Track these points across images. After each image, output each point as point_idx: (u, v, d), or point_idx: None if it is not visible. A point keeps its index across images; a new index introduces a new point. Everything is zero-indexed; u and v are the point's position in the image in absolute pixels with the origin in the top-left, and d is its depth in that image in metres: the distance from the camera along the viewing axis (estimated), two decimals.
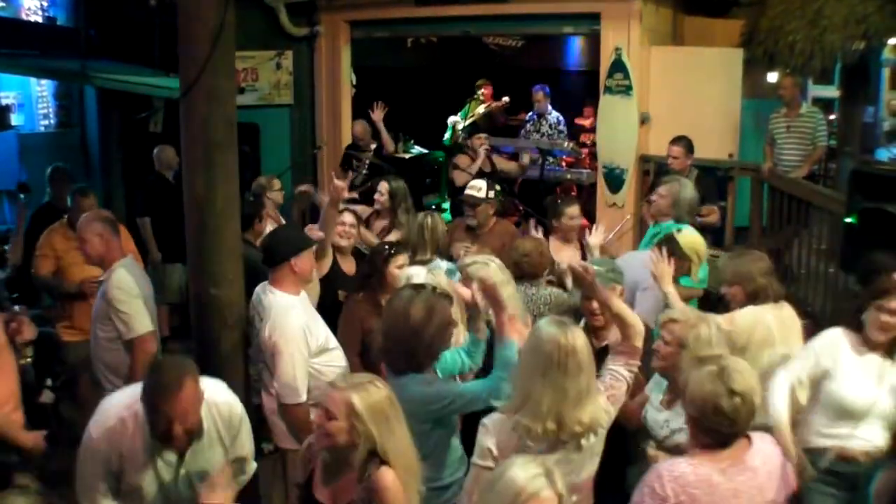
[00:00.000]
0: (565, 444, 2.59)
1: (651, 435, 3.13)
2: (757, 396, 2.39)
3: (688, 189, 4.89)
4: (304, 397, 3.52)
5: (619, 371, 2.86)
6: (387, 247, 4.22)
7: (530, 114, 9.03)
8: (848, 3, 6.49)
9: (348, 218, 4.68)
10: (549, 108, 8.86)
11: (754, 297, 3.55)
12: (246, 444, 3.00)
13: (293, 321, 3.52)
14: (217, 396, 2.90)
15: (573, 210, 5.13)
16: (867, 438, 3.19)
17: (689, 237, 4.15)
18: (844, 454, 3.23)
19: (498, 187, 6.27)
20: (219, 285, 3.56)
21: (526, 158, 8.42)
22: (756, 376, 2.45)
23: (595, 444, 2.68)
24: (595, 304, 3.58)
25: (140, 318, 3.80)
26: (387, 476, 2.48)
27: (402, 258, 4.14)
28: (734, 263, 3.74)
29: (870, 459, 3.18)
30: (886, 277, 3.32)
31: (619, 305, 3.00)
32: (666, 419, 3.09)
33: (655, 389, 3.23)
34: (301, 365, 3.49)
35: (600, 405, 2.67)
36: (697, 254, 4.15)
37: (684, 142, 5.99)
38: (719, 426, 2.37)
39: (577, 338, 2.61)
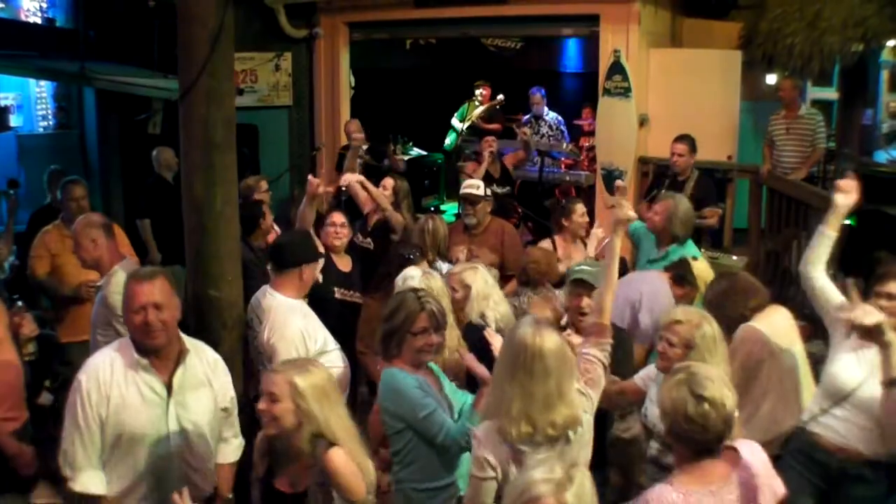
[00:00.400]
0: (550, 443, 2.51)
1: (654, 432, 3.12)
2: (729, 402, 2.33)
3: (682, 205, 4.72)
4: None
5: (592, 353, 2.77)
6: (404, 252, 4.34)
7: (526, 116, 9.03)
8: (847, 6, 6.51)
9: (338, 218, 4.76)
10: (546, 109, 8.88)
11: (736, 323, 3.46)
12: (230, 394, 3.06)
13: (292, 324, 3.53)
14: (199, 343, 3.03)
15: (581, 207, 5.23)
16: (841, 432, 3.13)
17: (704, 268, 4.16)
18: (808, 435, 3.19)
19: (496, 189, 6.35)
20: (218, 286, 3.55)
21: (524, 133, 8.27)
22: (729, 384, 2.40)
23: (584, 434, 2.62)
24: (583, 302, 3.59)
25: None
26: (337, 456, 2.48)
27: (421, 265, 4.23)
28: (707, 298, 3.65)
29: (842, 456, 3.12)
30: (886, 265, 3.33)
31: (616, 255, 2.92)
32: None
33: (655, 387, 3.21)
34: None
35: (576, 407, 2.55)
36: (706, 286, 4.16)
37: (688, 139, 5.97)
38: (692, 433, 2.32)
39: (546, 340, 2.47)
